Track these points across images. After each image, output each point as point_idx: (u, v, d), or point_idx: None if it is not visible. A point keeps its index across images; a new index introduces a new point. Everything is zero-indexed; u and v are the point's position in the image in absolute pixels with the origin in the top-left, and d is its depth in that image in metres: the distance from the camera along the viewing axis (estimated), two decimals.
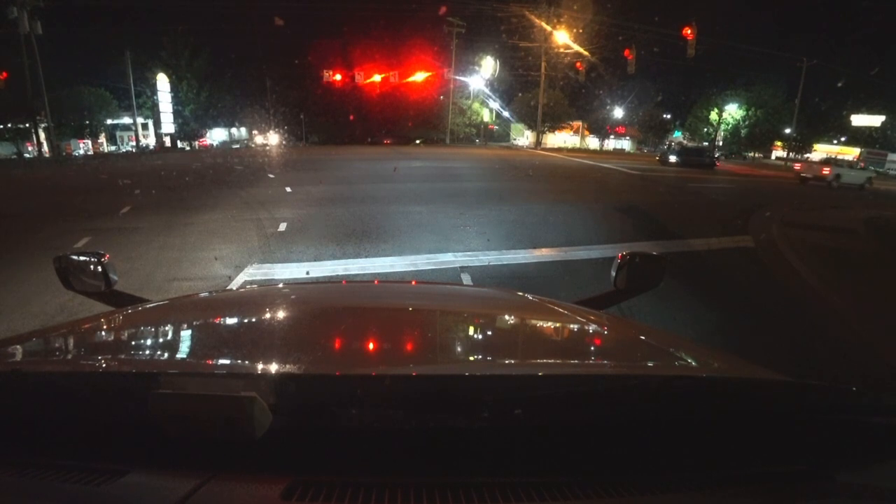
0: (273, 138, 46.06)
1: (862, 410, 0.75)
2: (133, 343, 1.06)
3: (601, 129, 53.78)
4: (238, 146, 45.48)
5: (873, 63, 47.76)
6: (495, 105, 51.14)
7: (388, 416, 0.65)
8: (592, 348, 1.11)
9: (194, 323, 1.16)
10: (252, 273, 5.62)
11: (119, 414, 0.67)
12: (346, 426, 0.65)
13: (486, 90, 49.15)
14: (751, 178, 25.27)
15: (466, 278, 5.51)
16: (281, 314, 1.23)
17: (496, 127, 53.40)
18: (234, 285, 5.20)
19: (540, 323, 1.28)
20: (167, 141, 42.14)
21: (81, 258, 1.42)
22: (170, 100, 41.02)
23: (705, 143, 50.58)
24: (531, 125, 49.81)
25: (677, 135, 55.16)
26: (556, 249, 7.07)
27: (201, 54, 42.99)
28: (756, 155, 52.35)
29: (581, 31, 41.18)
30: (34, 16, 28.54)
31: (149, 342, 1.06)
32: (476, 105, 49.70)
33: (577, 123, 53.18)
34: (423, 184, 15.23)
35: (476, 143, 48.46)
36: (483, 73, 47.62)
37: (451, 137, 47.39)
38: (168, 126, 41.43)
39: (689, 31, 27.54)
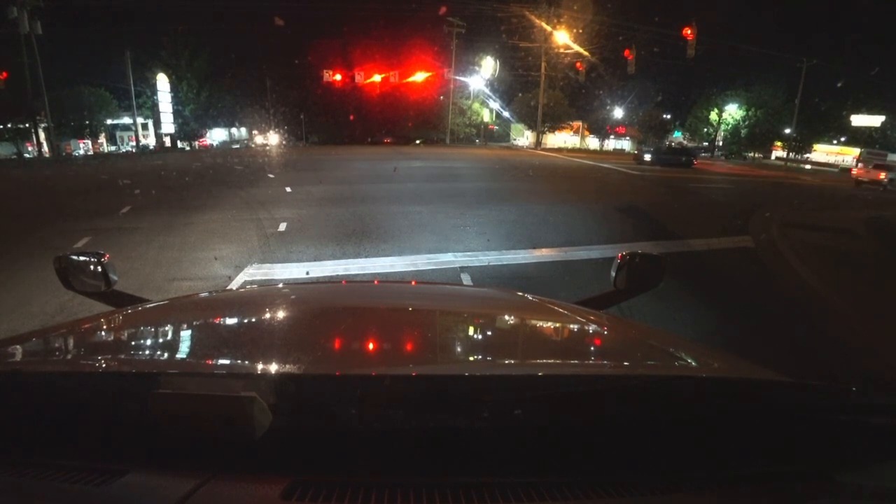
0: (273, 138, 46.09)
1: (862, 410, 0.75)
2: (133, 343, 1.06)
3: (601, 129, 53.74)
4: (238, 146, 45.51)
5: (873, 63, 47.90)
6: (495, 105, 51.25)
7: (388, 416, 0.65)
8: (592, 348, 1.11)
9: (194, 323, 1.16)
10: (252, 273, 5.61)
11: (119, 414, 0.67)
12: (346, 426, 0.65)
13: (486, 90, 49.25)
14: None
15: (466, 278, 5.51)
16: (281, 314, 1.23)
17: (496, 127, 53.44)
18: (233, 285, 5.20)
19: (540, 323, 1.28)
20: (167, 141, 42.18)
21: (81, 258, 1.41)
22: (170, 100, 41.06)
23: (705, 143, 50.65)
24: (531, 125, 49.82)
25: (677, 135, 55.17)
26: (556, 249, 7.07)
27: (201, 54, 43.06)
28: (756, 155, 52.35)
29: (581, 31, 41.29)
30: (34, 16, 28.63)
31: (149, 342, 1.06)
32: (476, 105, 49.74)
33: (577, 124, 53.18)
34: (423, 184, 15.23)
35: (476, 144, 48.48)
36: (483, 73, 47.69)
37: (451, 137, 47.42)
38: (168, 126, 41.46)
39: (688, 32, 27.62)
